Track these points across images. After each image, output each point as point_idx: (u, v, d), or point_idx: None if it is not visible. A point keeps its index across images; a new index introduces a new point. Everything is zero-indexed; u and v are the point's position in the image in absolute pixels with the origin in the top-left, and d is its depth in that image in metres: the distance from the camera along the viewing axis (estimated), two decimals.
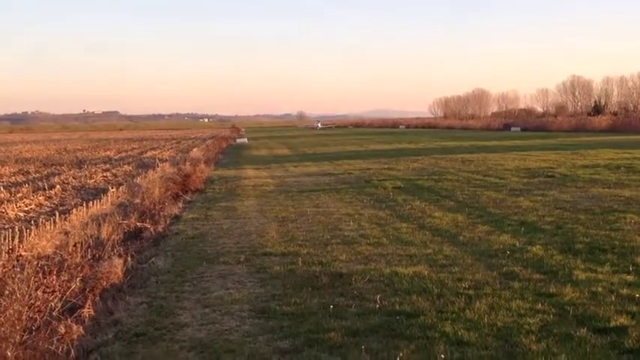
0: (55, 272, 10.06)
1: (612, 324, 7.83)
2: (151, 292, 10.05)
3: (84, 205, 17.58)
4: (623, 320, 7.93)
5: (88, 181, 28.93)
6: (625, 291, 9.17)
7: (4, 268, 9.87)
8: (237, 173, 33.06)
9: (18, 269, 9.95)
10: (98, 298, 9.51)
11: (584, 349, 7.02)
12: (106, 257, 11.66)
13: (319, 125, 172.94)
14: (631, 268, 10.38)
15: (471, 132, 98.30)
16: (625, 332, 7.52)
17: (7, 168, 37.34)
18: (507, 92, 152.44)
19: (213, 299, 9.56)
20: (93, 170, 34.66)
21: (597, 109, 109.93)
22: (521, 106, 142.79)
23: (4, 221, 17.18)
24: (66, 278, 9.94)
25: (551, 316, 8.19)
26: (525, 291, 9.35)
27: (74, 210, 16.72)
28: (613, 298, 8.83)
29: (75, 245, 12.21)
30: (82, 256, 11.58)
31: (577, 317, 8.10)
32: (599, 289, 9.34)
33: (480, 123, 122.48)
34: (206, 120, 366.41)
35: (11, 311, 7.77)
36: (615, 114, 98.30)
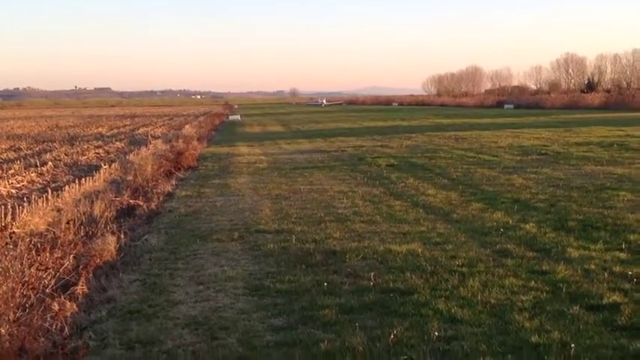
0: (48, 249, 10.03)
1: (605, 301, 7.86)
2: (145, 270, 10.04)
3: (76, 182, 17.50)
4: (615, 297, 7.97)
5: (80, 157, 28.78)
6: (618, 268, 9.21)
7: None
8: (230, 150, 32.96)
9: (11, 246, 9.93)
10: (91, 275, 9.49)
11: (576, 326, 7.06)
12: (99, 234, 11.62)
13: (324, 102, 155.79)
14: (624, 246, 10.41)
15: (465, 109, 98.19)
16: (618, 309, 7.55)
17: None
18: (501, 69, 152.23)
19: (207, 276, 9.56)
20: (85, 147, 34.47)
21: (590, 87, 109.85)
22: (515, 83, 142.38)
23: None
24: (59, 255, 9.91)
25: (544, 294, 8.22)
26: (518, 268, 9.38)
27: (66, 187, 16.65)
28: (606, 276, 8.86)
29: (68, 222, 12.15)
30: (74, 234, 11.54)
31: (570, 294, 8.13)
32: (592, 266, 9.38)
33: (473, 100, 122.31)
34: (199, 97, 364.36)
35: (4, 288, 7.75)
36: (608, 91, 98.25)
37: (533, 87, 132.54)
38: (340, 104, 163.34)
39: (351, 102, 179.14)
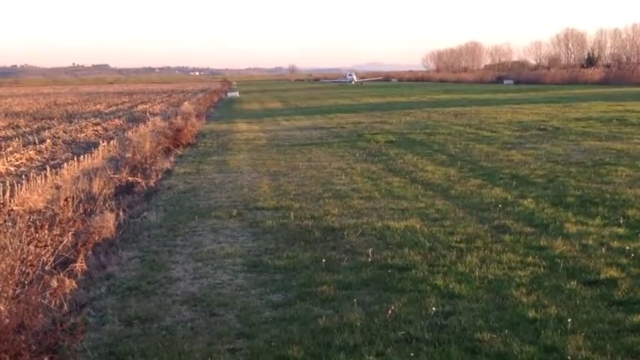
0: (46, 227, 10.02)
1: (602, 276, 7.89)
2: (144, 247, 10.06)
3: (75, 159, 17.49)
4: (613, 272, 7.99)
5: (79, 135, 28.73)
6: (615, 243, 9.23)
7: None
8: (229, 127, 32.89)
9: (10, 224, 9.91)
10: (90, 252, 9.52)
11: (574, 302, 7.08)
12: (97, 212, 11.62)
13: (355, 78, 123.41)
14: (622, 221, 10.42)
15: (464, 85, 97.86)
16: (615, 284, 7.58)
17: None
18: (501, 45, 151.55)
19: (206, 253, 9.58)
20: (83, 124, 34.39)
21: (590, 62, 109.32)
22: (515, 58, 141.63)
23: None
24: (58, 233, 9.92)
25: (542, 269, 8.25)
26: (516, 244, 9.40)
27: (65, 164, 16.64)
28: (603, 251, 8.88)
29: (66, 200, 12.14)
30: (73, 211, 11.54)
31: (567, 270, 8.15)
32: (590, 241, 9.39)
33: (473, 76, 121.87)
34: (197, 73, 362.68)
35: (4, 265, 7.75)
36: (608, 66, 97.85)
37: (533, 62, 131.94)
38: (379, 80, 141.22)
39: None
